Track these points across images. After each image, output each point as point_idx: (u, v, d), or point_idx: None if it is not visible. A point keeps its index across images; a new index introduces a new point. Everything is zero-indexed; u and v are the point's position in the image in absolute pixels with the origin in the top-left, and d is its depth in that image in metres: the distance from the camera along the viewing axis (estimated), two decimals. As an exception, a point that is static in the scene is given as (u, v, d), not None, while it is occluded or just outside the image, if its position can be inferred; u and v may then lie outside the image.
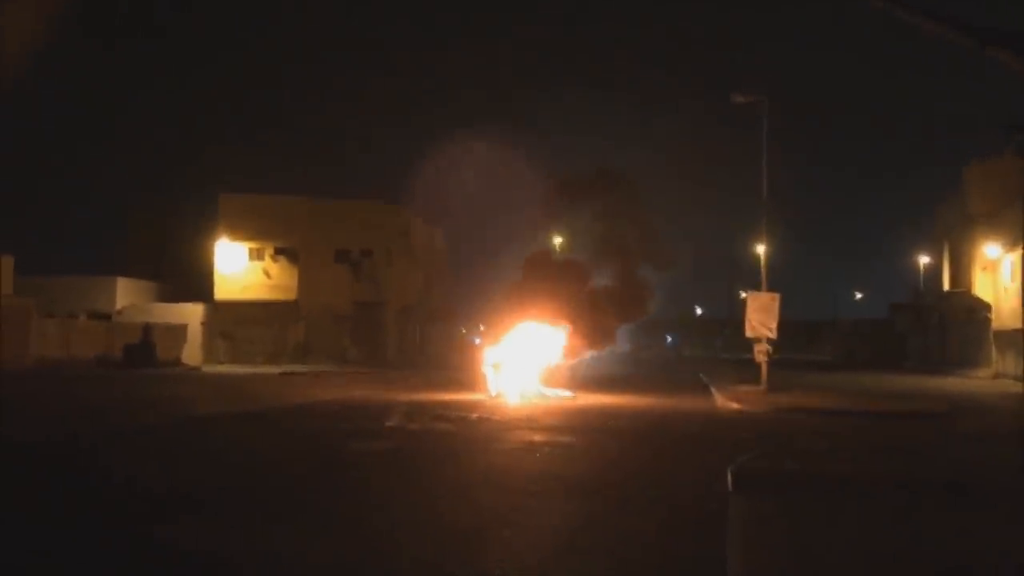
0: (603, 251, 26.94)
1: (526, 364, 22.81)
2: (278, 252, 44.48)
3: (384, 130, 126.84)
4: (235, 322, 43.11)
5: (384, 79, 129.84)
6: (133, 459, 11.17)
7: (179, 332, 40.11)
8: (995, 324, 37.73)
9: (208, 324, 43.08)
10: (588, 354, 28.04)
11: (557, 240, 28.96)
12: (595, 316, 25.44)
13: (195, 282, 44.69)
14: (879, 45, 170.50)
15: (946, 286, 43.91)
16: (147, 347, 36.53)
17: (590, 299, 25.78)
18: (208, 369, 36.57)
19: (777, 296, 24.83)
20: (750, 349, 26.51)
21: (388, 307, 45.46)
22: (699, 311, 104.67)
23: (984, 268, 38.72)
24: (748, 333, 24.85)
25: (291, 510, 7.98)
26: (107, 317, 40.25)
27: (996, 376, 36.05)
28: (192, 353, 40.38)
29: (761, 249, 27.71)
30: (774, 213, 26.79)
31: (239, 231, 44.23)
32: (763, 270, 26.60)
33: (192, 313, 42.60)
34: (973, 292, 39.99)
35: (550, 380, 23.23)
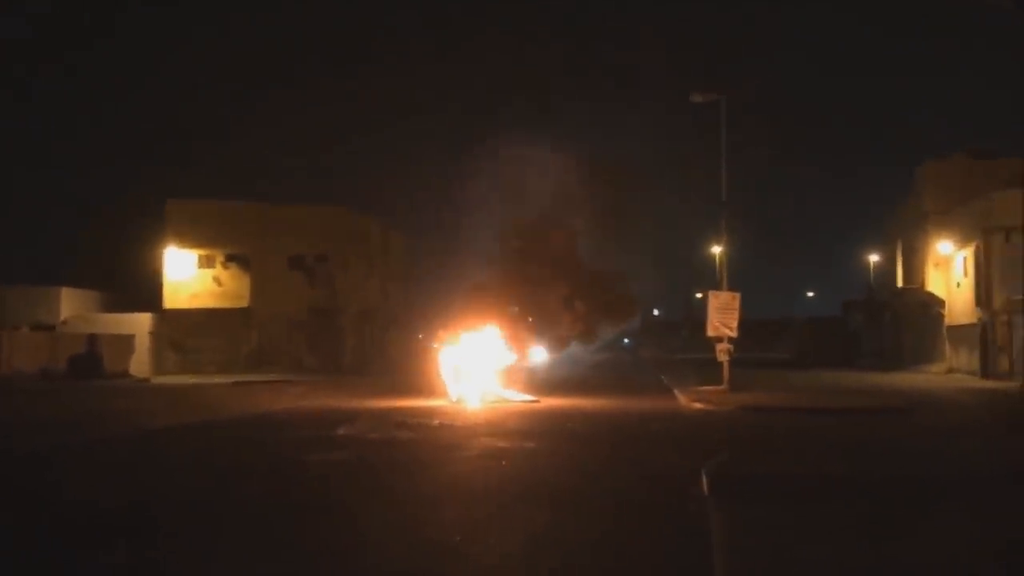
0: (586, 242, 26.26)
1: (487, 368, 22.40)
2: (229, 259, 43.38)
3: (342, 134, 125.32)
4: (185, 331, 41.96)
5: (342, 81, 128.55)
6: (75, 477, 10.50)
7: (126, 342, 38.90)
8: (948, 320, 38.29)
9: (157, 334, 41.87)
10: (564, 348, 27.57)
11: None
12: (580, 307, 24.94)
13: (143, 291, 43.35)
14: (836, 46, 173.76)
15: (900, 283, 44.52)
16: (93, 358, 35.39)
17: (576, 289, 25.21)
18: (158, 380, 35.47)
19: (738, 295, 24.76)
20: (707, 349, 26.39)
21: (345, 313, 44.63)
22: (656, 312, 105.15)
23: (937, 265, 39.30)
24: (710, 332, 24.72)
25: (244, 529, 7.45)
26: (51, 328, 38.90)
27: (950, 371, 36.56)
28: (140, 364, 39.18)
29: (719, 249, 27.68)
30: (733, 213, 26.67)
31: (188, 238, 43.05)
32: (723, 270, 26.56)
33: (140, 323, 41.36)
34: (926, 288, 40.57)
35: (511, 383, 22.85)
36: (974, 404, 21.88)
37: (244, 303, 43.10)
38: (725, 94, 25.37)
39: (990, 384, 29.05)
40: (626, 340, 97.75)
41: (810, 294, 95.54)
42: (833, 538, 7.01)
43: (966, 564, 6.38)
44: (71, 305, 42.05)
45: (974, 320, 33.71)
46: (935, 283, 39.78)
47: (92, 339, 36.34)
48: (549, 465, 11.05)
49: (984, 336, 32.00)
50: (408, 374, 34.64)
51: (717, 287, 26.46)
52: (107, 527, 7.46)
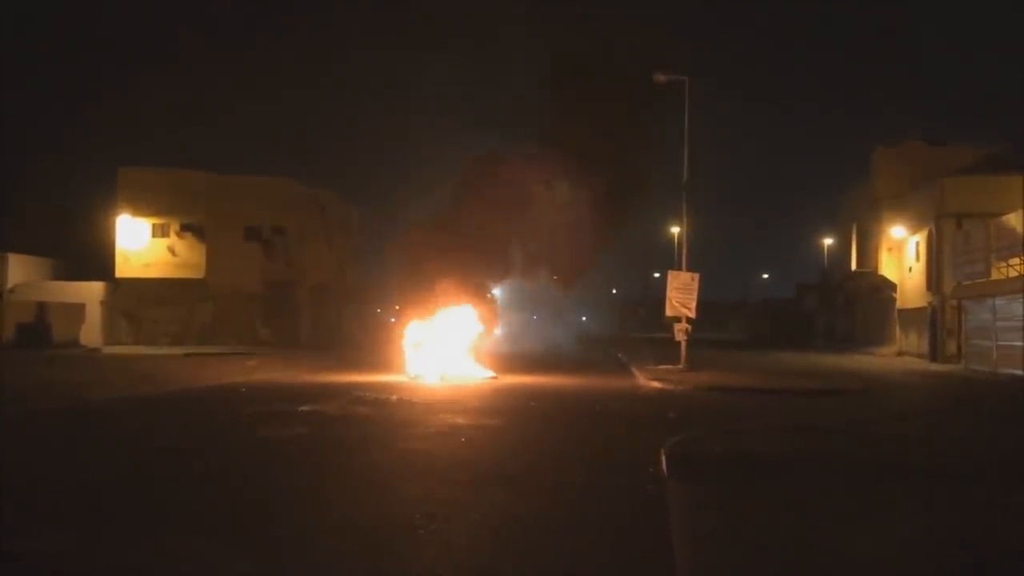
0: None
1: (445, 343, 22.23)
2: (184, 228, 42.46)
3: (299, 104, 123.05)
4: (138, 301, 41.12)
5: (303, 51, 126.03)
6: (13, 453, 10.17)
7: (77, 312, 38.05)
8: (899, 303, 39.01)
9: (109, 303, 40.98)
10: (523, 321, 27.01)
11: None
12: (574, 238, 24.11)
13: (94, 259, 42.29)
14: (799, 27, 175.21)
15: (853, 266, 45.23)
16: (42, 327, 34.61)
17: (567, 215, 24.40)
18: (108, 351, 34.77)
19: (697, 276, 24.88)
20: (662, 328, 26.47)
21: (301, 286, 44.10)
22: (614, 291, 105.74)
23: (890, 249, 39.94)
24: (668, 312, 24.83)
25: (189, 511, 7.22)
26: (-3, 295, 37.89)
27: (900, 353, 37.32)
28: (91, 334, 38.35)
29: (678, 230, 27.74)
30: (692, 194, 26.62)
31: (141, 206, 42.04)
32: (684, 250, 26.64)
33: (91, 292, 40.41)
34: (879, 272, 41.24)
35: (470, 359, 22.73)
36: (924, 386, 22.34)
37: (199, 274, 42.34)
38: (689, 75, 25.28)
39: (937, 367, 29.69)
40: (584, 318, 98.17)
41: (765, 276, 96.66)
42: (792, 518, 7.06)
43: (919, 546, 6.46)
44: (19, 272, 40.91)
45: (925, 304, 34.37)
46: (888, 267, 40.46)
47: (41, 307, 35.51)
48: (508, 444, 11.01)
49: (934, 320, 32.65)
50: (366, 349, 34.41)
51: (673, 267, 26.51)
52: (29, 514, 7.16)
